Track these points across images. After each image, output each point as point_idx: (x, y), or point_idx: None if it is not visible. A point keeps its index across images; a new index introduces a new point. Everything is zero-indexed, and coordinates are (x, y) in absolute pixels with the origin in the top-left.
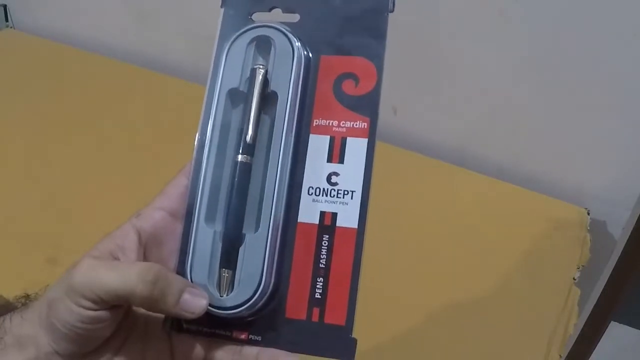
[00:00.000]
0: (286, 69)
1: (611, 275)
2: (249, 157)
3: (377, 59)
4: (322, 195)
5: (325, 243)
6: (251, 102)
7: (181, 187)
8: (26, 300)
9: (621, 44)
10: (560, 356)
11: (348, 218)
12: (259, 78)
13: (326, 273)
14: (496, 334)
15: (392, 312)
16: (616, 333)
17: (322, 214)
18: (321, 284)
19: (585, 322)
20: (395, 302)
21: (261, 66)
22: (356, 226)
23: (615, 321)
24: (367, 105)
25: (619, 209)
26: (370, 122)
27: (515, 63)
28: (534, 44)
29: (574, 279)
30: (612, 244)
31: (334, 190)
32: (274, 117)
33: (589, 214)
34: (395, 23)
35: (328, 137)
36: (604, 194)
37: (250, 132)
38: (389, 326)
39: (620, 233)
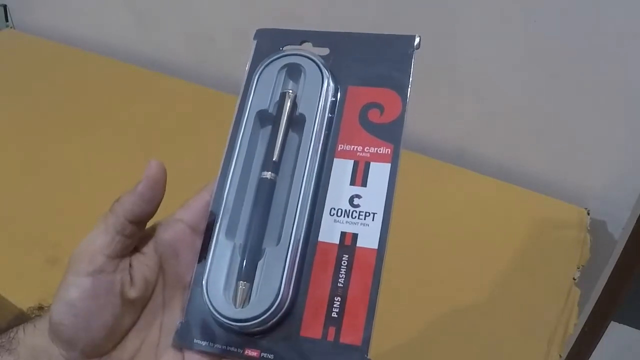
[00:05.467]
0: (315, 94)
1: (611, 275)
2: (273, 175)
3: (402, 89)
4: (344, 216)
5: (344, 263)
6: (279, 123)
7: (203, 202)
8: (40, 311)
9: (621, 44)
10: (560, 356)
11: (369, 239)
12: (288, 101)
13: (344, 292)
14: (496, 333)
15: (388, 309)
16: (616, 333)
17: (343, 234)
18: (338, 303)
19: (585, 322)
20: (393, 300)
21: (291, 91)
22: (376, 247)
23: (615, 321)
24: (391, 133)
25: (619, 209)
26: (394, 148)
27: (515, 63)
28: (534, 44)
29: (574, 279)
30: (612, 244)
31: (356, 211)
32: (301, 139)
33: (589, 214)
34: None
35: (352, 161)
36: (604, 194)
37: (276, 150)
38: (385, 322)
39: (620, 233)
